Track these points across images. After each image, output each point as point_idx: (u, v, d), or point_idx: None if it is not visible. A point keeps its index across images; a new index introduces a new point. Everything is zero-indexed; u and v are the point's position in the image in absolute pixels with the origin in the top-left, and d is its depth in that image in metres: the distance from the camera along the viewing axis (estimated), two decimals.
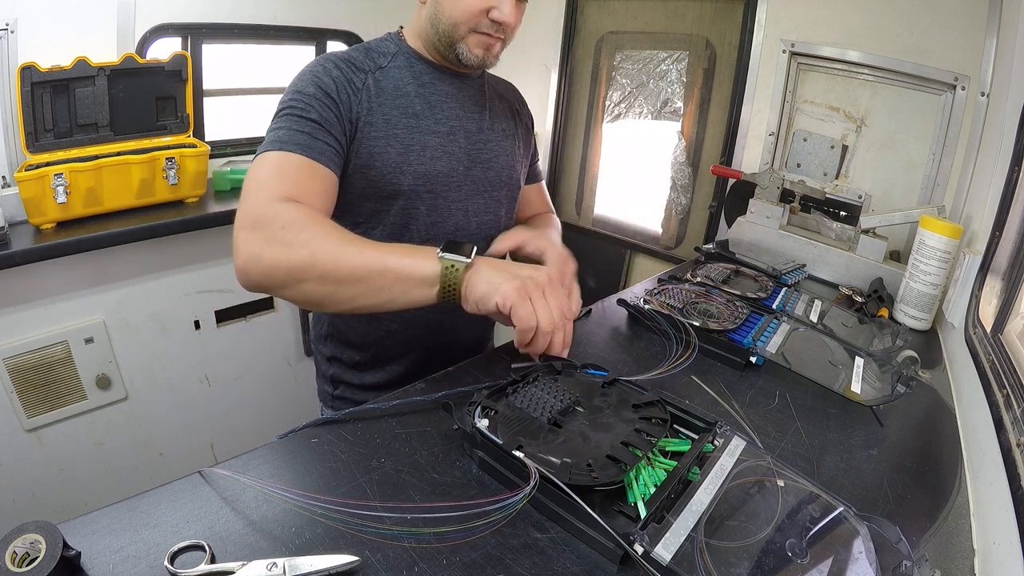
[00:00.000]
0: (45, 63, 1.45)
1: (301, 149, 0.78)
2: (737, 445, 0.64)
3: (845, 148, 1.58)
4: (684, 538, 0.51)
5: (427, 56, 0.94)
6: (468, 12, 0.84)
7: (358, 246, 0.71)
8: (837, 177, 1.57)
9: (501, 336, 1.14)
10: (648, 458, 0.61)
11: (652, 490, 0.57)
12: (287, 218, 0.72)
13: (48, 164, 1.43)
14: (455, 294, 0.70)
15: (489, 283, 0.68)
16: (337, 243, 0.71)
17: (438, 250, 0.70)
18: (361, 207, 0.91)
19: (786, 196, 1.48)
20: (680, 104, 1.97)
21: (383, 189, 0.89)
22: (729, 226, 1.62)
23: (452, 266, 0.69)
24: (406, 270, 0.70)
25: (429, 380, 0.80)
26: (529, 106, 1.18)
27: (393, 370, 1.01)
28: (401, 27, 0.98)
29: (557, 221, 1.16)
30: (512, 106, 1.09)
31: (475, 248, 0.71)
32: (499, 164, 1.00)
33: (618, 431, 0.64)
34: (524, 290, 0.67)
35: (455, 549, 0.52)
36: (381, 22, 2.19)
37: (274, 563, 0.48)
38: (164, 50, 1.70)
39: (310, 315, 1.11)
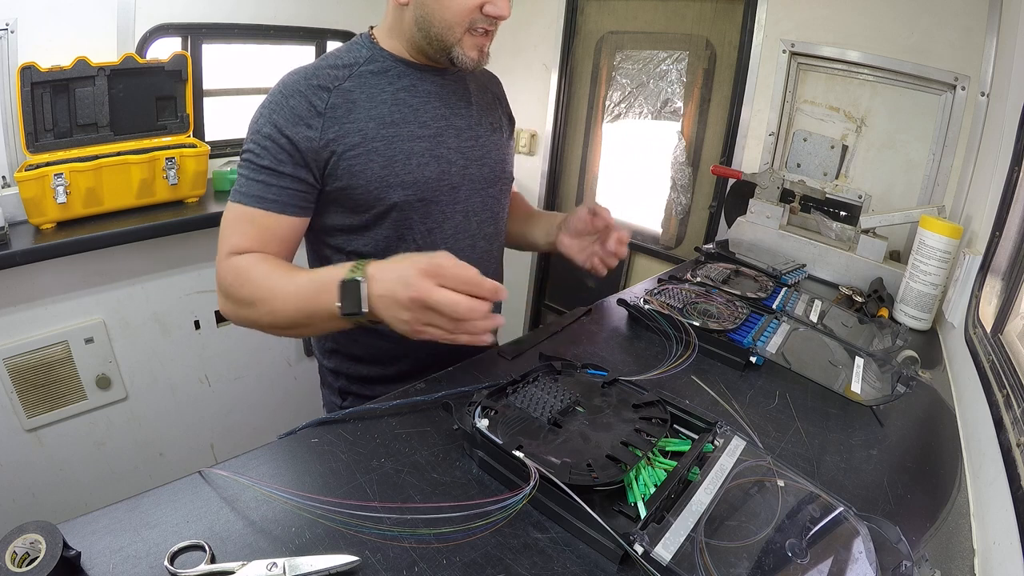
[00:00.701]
0: (45, 63, 1.44)
1: (255, 201, 0.81)
2: (737, 445, 0.64)
3: (845, 148, 1.58)
4: (684, 538, 0.51)
5: (405, 56, 0.89)
6: (462, 11, 0.81)
7: (285, 295, 0.76)
8: (837, 177, 1.57)
9: (503, 336, 1.14)
10: (648, 458, 0.61)
11: (652, 490, 0.57)
12: (232, 276, 0.80)
13: (48, 164, 1.43)
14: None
15: (398, 329, 0.70)
16: (271, 297, 0.77)
17: (337, 303, 0.70)
18: (350, 224, 0.89)
19: (786, 196, 1.48)
20: (680, 104, 1.97)
21: (371, 206, 0.86)
22: (729, 226, 1.62)
23: (355, 318, 0.71)
24: (325, 314, 0.73)
25: (429, 380, 0.80)
26: (529, 106, 1.18)
27: (403, 379, 0.96)
28: (371, 27, 0.92)
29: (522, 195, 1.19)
30: (495, 96, 1.05)
31: (363, 286, 0.69)
32: (492, 159, 0.98)
33: (618, 431, 0.64)
34: (417, 325, 0.68)
35: (455, 549, 0.52)
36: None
37: (274, 563, 0.48)
38: (164, 50, 1.70)
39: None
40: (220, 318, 1.82)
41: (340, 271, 0.71)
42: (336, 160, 0.83)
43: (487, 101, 1.01)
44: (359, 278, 0.69)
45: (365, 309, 0.69)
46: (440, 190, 0.90)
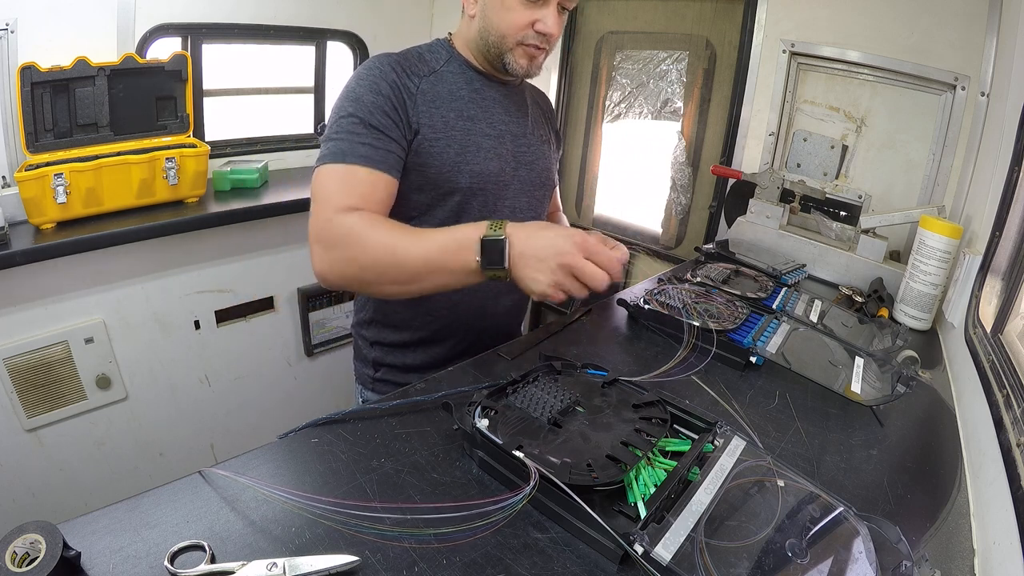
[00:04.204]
0: (45, 63, 1.44)
1: (363, 160, 0.85)
2: (737, 445, 0.64)
3: (845, 148, 1.57)
4: (684, 538, 0.51)
5: (476, 64, 0.99)
6: (515, 25, 0.91)
7: (415, 249, 0.79)
8: (837, 177, 1.57)
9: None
10: (648, 458, 0.61)
11: (652, 490, 0.57)
12: (345, 231, 0.80)
13: (48, 164, 1.43)
14: (503, 283, 0.78)
15: (530, 286, 0.75)
16: (395, 250, 0.79)
17: (477, 257, 0.75)
18: (415, 200, 0.95)
19: (786, 196, 1.48)
20: (680, 104, 1.96)
21: (441, 186, 0.94)
22: (729, 226, 1.62)
23: (494, 274, 0.76)
24: (459, 269, 0.78)
25: (429, 380, 0.80)
26: None
27: (436, 352, 1.05)
28: (450, 34, 1.02)
29: (566, 219, 1.26)
30: (545, 113, 1.14)
31: (507, 245, 0.74)
32: (540, 166, 1.07)
33: (618, 431, 0.64)
34: (553, 285, 0.74)
35: (455, 549, 0.52)
36: (381, 22, 2.19)
37: (274, 563, 0.48)
38: (164, 50, 1.70)
39: (354, 300, 1.16)
40: (220, 318, 1.82)
41: (476, 230, 0.76)
42: (420, 138, 0.91)
43: (538, 116, 1.11)
44: (502, 236, 0.74)
45: (507, 265, 0.75)
46: (497, 185, 0.99)
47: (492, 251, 0.75)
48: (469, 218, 0.97)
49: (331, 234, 0.82)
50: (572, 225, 1.28)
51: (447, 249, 0.78)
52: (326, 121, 0.94)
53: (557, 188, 1.25)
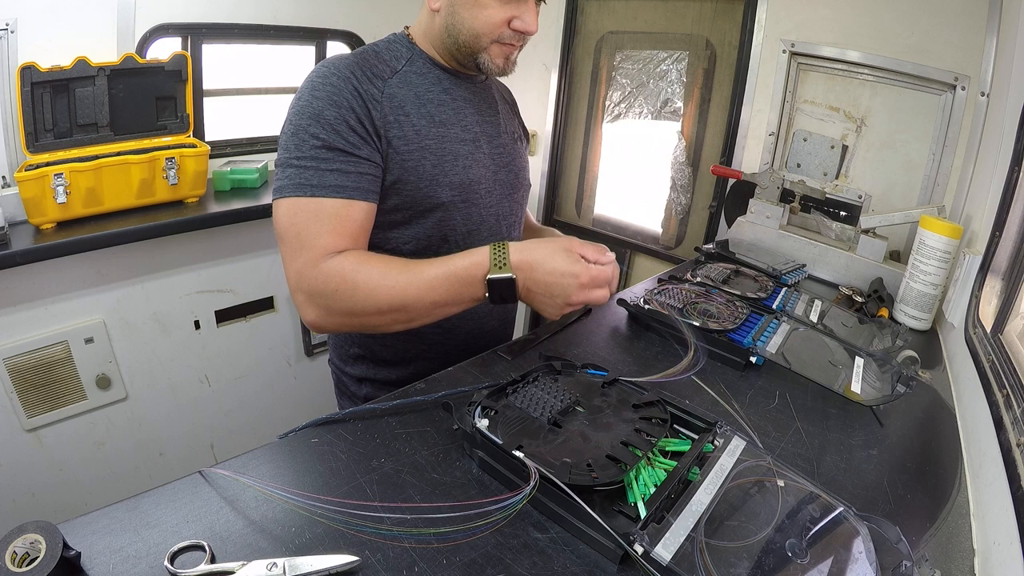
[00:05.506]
0: (45, 63, 1.44)
1: (336, 191, 0.77)
2: (737, 445, 0.64)
3: (845, 148, 1.57)
4: (684, 538, 0.51)
5: (441, 61, 0.91)
6: (491, 24, 0.83)
7: (417, 291, 0.76)
8: (837, 177, 1.57)
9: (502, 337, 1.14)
10: (648, 458, 0.61)
11: (652, 490, 0.57)
12: (337, 281, 0.76)
13: (48, 164, 1.43)
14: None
15: (543, 309, 0.78)
16: (396, 293, 0.75)
17: (485, 293, 0.76)
18: (391, 220, 0.87)
19: (786, 196, 1.48)
20: (680, 104, 1.97)
21: (420, 204, 0.86)
22: (729, 226, 1.62)
23: (502, 300, 0.77)
24: (467, 300, 0.78)
25: (429, 380, 0.80)
26: (529, 106, 1.19)
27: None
28: (407, 27, 0.94)
29: (533, 218, 1.22)
30: (512, 107, 1.09)
31: (512, 279, 0.75)
32: (516, 166, 1.01)
33: (618, 431, 0.64)
34: (565, 310, 0.77)
35: (455, 549, 0.52)
36: (381, 22, 2.19)
37: (274, 563, 0.48)
38: (164, 50, 1.70)
39: (328, 336, 1.06)
40: (220, 318, 1.82)
41: (479, 264, 0.75)
42: (391, 151, 0.82)
43: (506, 112, 1.03)
44: (509, 276, 0.74)
45: (519, 301, 0.78)
46: (479, 193, 0.92)
47: (501, 289, 0.75)
48: (454, 234, 0.90)
49: (319, 284, 0.76)
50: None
51: (452, 287, 0.76)
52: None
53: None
